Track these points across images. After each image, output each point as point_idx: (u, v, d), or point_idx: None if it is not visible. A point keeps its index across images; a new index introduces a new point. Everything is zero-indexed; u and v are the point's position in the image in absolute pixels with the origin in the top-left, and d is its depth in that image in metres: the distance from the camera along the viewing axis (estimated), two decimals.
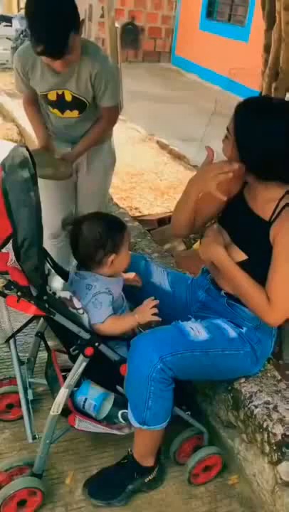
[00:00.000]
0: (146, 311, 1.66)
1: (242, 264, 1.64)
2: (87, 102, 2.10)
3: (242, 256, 1.66)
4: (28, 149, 1.41)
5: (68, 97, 2.06)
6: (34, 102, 2.22)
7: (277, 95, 2.62)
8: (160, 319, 1.67)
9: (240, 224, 1.70)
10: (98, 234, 1.60)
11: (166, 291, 1.90)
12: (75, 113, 2.12)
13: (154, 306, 1.67)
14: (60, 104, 2.08)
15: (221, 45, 8.48)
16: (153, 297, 1.70)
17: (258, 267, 1.61)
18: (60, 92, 2.05)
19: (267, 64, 2.68)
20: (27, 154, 1.37)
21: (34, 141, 5.14)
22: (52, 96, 2.07)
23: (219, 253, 1.65)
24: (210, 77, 8.76)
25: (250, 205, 1.71)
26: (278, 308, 1.58)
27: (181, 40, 10.31)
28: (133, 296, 1.77)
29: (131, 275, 1.83)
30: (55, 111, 2.13)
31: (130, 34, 9.93)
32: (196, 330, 1.64)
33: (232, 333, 1.69)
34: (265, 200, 1.64)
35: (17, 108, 6.39)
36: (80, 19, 1.90)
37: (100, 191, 2.52)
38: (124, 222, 1.71)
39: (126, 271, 1.78)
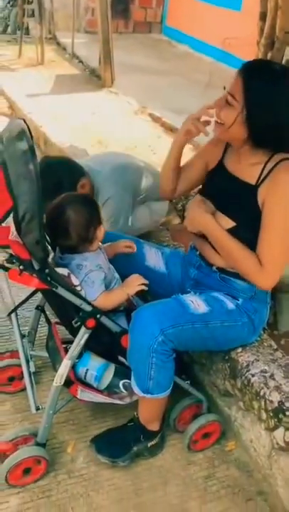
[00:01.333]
0: (134, 282, 1.69)
1: (230, 231, 1.63)
2: None
3: (230, 223, 1.64)
4: (25, 121, 1.39)
5: None
6: None
7: None
8: (147, 288, 1.70)
9: (225, 191, 1.69)
10: (87, 213, 1.61)
11: (161, 273, 1.91)
12: None
13: (143, 284, 1.70)
14: None
15: (213, 14, 8.30)
16: (137, 274, 1.72)
17: (247, 233, 1.62)
18: None
19: (262, 33, 2.64)
20: (24, 126, 1.35)
21: (26, 115, 5.05)
22: None
23: (207, 221, 1.65)
24: (202, 48, 8.59)
25: (231, 171, 1.70)
26: (270, 271, 1.59)
27: (172, 10, 10.06)
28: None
29: (120, 244, 1.84)
30: None
31: (120, 3, 9.68)
32: (196, 303, 1.66)
33: (230, 304, 1.72)
34: (249, 163, 1.64)
35: (7, 82, 6.27)
36: None
37: None
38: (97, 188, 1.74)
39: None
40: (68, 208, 1.60)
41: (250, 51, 3.07)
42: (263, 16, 2.66)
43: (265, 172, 1.59)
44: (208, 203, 1.70)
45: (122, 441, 1.76)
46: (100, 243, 1.72)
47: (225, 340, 1.76)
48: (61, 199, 1.64)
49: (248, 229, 1.61)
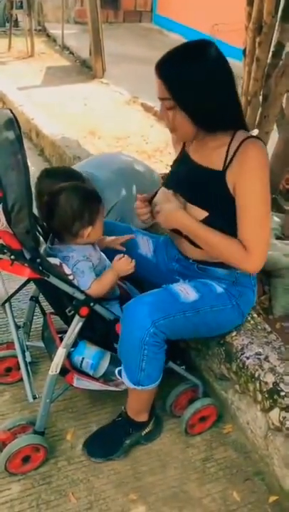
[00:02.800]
0: (122, 264, 1.67)
1: (204, 222, 1.61)
2: None
3: (202, 213, 1.61)
4: (12, 111, 1.40)
5: None
6: None
7: (262, 51, 2.58)
8: (134, 269, 1.69)
9: (192, 181, 1.65)
10: (76, 206, 1.59)
11: (151, 261, 1.91)
12: None
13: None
14: None
15: (203, 1, 8.25)
16: (122, 255, 1.70)
17: (221, 220, 1.59)
18: None
19: (250, 18, 2.62)
20: (11, 116, 1.36)
21: (17, 107, 5.02)
22: None
23: (181, 217, 1.62)
24: (193, 35, 8.53)
25: (196, 160, 1.68)
26: (257, 254, 1.57)
27: None
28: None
29: (111, 238, 1.84)
30: None
31: None
32: (185, 291, 1.66)
33: (219, 288, 1.72)
34: (211, 148, 1.61)
35: None
36: None
37: None
38: (99, 195, 1.69)
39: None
40: (64, 192, 1.60)
41: (238, 36, 3.06)
42: (250, 1, 2.64)
43: (230, 155, 1.56)
44: (177, 196, 1.68)
45: (113, 438, 1.77)
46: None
47: (216, 325, 1.77)
48: (69, 183, 1.65)
49: (221, 216, 1.59)
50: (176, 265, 1.85)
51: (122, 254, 1.70)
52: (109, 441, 1.77)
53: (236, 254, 1.58)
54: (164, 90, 1.51)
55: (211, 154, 1.61)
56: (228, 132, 1.58)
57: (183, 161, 1.73)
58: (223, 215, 1.59)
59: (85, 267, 1.63)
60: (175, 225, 1.66)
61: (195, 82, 1.47)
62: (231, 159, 1.55)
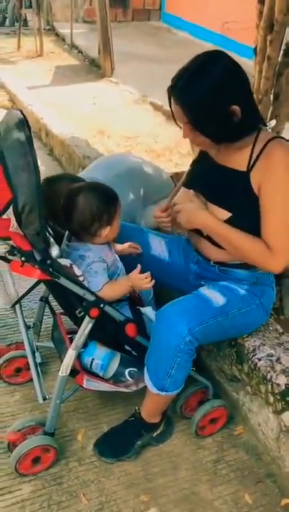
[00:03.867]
0: (139, 279, 1.66)
1: (227, 222, 1.60)
2: None
3: (225, 214, 1.61)
4: (22, 112, 1.39)
5: None
6: None
7: (273, 49, 2.56)
8: (151, 286, 1.68)
9: (215, 181, 1.64)
10: (95, 207, 1.59)
11: (165, 262, 1.90)
12: None
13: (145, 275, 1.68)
14: None
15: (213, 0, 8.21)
16: (139, 266, 1.68)
17: (244, 221, 1.59)
18: None
19: (261, 16, 2.60)
20: (22, 117, 1.35)
21: (27, 107, 5.04)
22: None
23: (205, 217, 1.62)
24: (202, 34, 8.51)
25: (217, 160, 1.66)
26: (281, 254, 1.56)
27: None
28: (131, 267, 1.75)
29: (125, 246, 1.83)
30: None
31: None
32: (214, 296, 1.66)
33: (241, 290, 1.71)
34: (234, 149, 1.59)
35: (7, 75, 6.25)
36: None
37: None
38: (116, 193, 1.69)
39: (120, 241, 1.80)
40: (82, 193, 1.61)
41: (249, 35, 3.03)
42: None
43: (255, 156, 1.55)
44: (198, 195, 1.67)
45: (124, 439, 1.77)
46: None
47: (244, 326, 1.77)
48: (86, 183, 1.67)
49: (244, 217, 1.59)
50: (194, 267, 1.84)
51: (139, 267, 1.67)
52: (121, 442, 1.77)
53: (261, 254, 1.58)
54: (181, 115, 1.51)
55: (234, 155, 1.61)
56: (250, 134, 1.57)
57: (204, 161, 1.72)
58: (247, 216, 1.58)
59: (100, 268, 1.63)
60: (198, 224, 1.65)
61: (210, 103, 1.46)
62: (256, 160, 1.55)
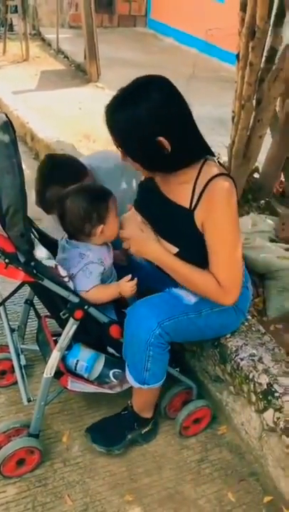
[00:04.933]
0: (128, 287, 1.69)
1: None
2: None
3: (172, 248, 1.59)
4: (6, 115, 1.41)
5: None
6: None
7: (255, 55, 2.60)
8: (137, 294, 1.70)
9: (160, 213, 1.61)
10: (82, 208, 1.61)
11: (145, 268, 1.87)
12: None
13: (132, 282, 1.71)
14: None
15: (198, 6, 8.29)
16: (130, 275, 1.70)
17: (191, 256, 1.58)
18: None
19: (243, 23, 2.65)
20: (6, 119, 1.36)
21: (12, 111, 5.02)
22: None
23: (156, 252, 1.60)
24: (187, 40, 8.59)
25: (163, 191, 1.63)
26: (231, 288, 1.57)
27: (156, 3, 10.04)
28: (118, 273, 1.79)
29: (116, 252, 1.84)
30: None
31: None
32: (186, 294, 1.68)
33: None
34: (178, 183, 1.57)
35: None
36: None
37: None
38: (108, 190, 1.71)
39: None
40: (69, 197, 1.64)
41: (232, 41, 3.09)
42: (243, 6, 2.66)
43: (197, 194, 1.52)
44: (148, 226, 1.64)
45: (116, 430, 1.79)
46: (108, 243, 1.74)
47: (221, 327, 1.79)
48: (74, 187, 1.68)
49: (191, 252, 1.58)
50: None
51: (129, 277, 1.69)
52: (112, 433, 1.79)
53: (211, 288, 1.57)
54: (113, 139, 1.51)
55: (177, 189, 1.58)
56: (193, 166, 1.54)
57: (150, 184, 1.68)
58: (192, 251, 1.57)
59: (96, 270, 1.65)
60: (148, 257, 1.64)
61: (135, 131, 1.44)
62: (198, 199, 1.52)
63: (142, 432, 1.82)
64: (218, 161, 1.62)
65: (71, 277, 1.64)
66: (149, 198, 1.68)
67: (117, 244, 1.76)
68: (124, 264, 1.86)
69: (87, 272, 1.64)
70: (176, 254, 1.59)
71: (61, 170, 1.99)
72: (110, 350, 1.77)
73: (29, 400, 1.73)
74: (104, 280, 1.70)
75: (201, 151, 1.56)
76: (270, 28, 2.62)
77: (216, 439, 1.89)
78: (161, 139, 1.43)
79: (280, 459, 1.62)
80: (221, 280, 1.55)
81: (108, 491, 1.67)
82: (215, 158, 1.59)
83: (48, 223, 2.30)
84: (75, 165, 2.07)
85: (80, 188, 1.69)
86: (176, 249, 1.59)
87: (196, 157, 1.55)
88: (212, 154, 1.59)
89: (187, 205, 1.55)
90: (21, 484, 1.67)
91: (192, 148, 1.54)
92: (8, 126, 1.35)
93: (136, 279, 1.69)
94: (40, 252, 1.63)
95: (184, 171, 1.54)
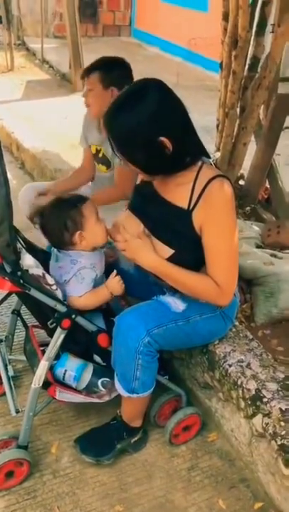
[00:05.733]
0: (116, 283, 1.71)
1: (170, 259, 1.59)
2: (112, 162, 2.38)
3: (167, 251, 1.59)
4: None
5: (101, 154, 2.44)
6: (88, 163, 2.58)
7: (238, 64, 2.64)
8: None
9: (156, 214, 1.61)
10: (56, 218, 1.65)
11: (133, 276, 1.88)
12: (104, 168, 2.47)
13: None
14: (97, 158, 2.49)
15: (182, 16, 8.38)
16: (115, 271, 1.73)
17: (187, 257, 1.59)
18: (98, 148, 2.45)
19: (226, 32, 2.68)
20: None
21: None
22: (93, 149, 2.49)
23: (154, 262, 1.58)
24: (171, 49, 8.66)
25: (160, 193, 1.64)
26: (228, 289, 1.59)
27: (141, 13, 10.12)
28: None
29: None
30: (96, 163, 2.53)
31: (88, 7, 9.69)
32: (174, 301, 1.68)
33: None
34: (176, 184, 1.58)
35: None
36: None
37: None
38: (79, 197, 1.72)
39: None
40: (45, 210, 1.69)
41: (215, 50, 3.13)
42: (225, 16, 2.70)
43: (196, 195, 1.54)
44: (145, 230, 1.62)
45: (105, 440, 1.78)
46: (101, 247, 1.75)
47: (209, 333, 1.79)
48: (50, 201, 1.73)
49: (187, 254, 1.58)
50: (152, 278, 1.84)
51: (114, 272, 1.72)
52: (102, 443, 1.78)
53: (210, 290, 1.58)
54: (112, 143, 1.52)
55: (175, 190, 1.59)
56: (191, 168, 1.56)
57: (146, 187, 1.68)
58: (189, 252, 1.58)
59: (88, 276, 1.67)
60: (144, 265, 1.61)
61: (137, 133, 1.45)
62: (197, 200, 1.54)
63: (132, 441, 1.81)
64: (215, 164, 1.64)
65: (64, 284, 1.66)
66: (145, 200, 1.68)
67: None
68: (114, 260, 1.86)
69: (80, 278, 1.66)
70: (171, 256, 1.59)
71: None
72: (96, 358, 1.77)
73: (17, 411, 1.72)
74: (94, 287, 1.70)
75: (199, 151, 1.59)
76: (252, 38, 2.67)
77: (206, 446, 1.89)
78: (163, 139, 1.45)
79: (269, 465, 1.62)
80: (220, 281, 1.56)
81: (98, 501, 1.66)
82: (211, 161, 1.61)
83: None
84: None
85: (53, 201, 1.73)
86: (171, 251, 1.59)
87: (196, 157, 1.57)
88: (208, 156, 1.62)
89: (185, 206, 1.56)
90: (10, 497, 1.65)
91: (192, 148, 1.56)
92: None
93: (119, 276, 1.71)
94: (28, 261, 1.64)
95: (183, 173, 1.56)
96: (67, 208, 1.67)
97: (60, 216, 1.65)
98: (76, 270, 1.66)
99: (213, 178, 1.53)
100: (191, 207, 1.55)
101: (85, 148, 2.57)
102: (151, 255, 1.59)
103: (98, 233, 1.69)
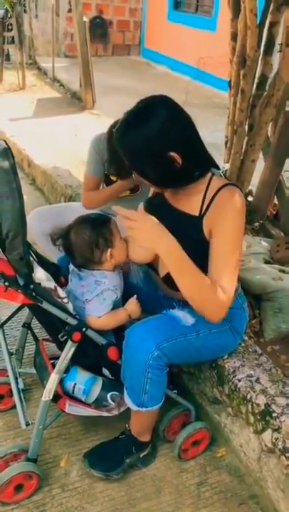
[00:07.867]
0: (135, 306, 1.75)
1: None
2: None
3: None
4: (6, 142, 1.45)
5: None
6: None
7: (246, 82, 2.68)
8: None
9: (167, 223, 1.55)
10: (87, 236, 1.66)
11: (142, 291, 1.91)
12: (126, 192, 2.41)
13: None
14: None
15: (190, 35, 8.52)
16: (135, 296, 1.77)
17: (196, 265, 1.56)
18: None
19: (234, 52, 2.73)
20: (6, 146, 1.40)
21: (9, 138, 5.08)
22: (113, 177, 2.40)
23: (171, 242, 1.50)
24: (180, 68, 8.80)
25: (171, 203, 1.68)
26: (229, 296, 1.55)
27: (150, 33, 10.31)
28: None
29: None
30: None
31: (99, 28, 9.89)
32: (183, 315, 1.69)
33: None
34: (187, 194, 1.62)
35: None
36: None
37: None
38: (103, 215, 1.75)
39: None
40: (72, 229, 1.69)
41: (224, 69, 3.18)
42: (234, 36, 2.76)
43: (207, 202, 1.58)
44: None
45: (114, 455, 1.78)
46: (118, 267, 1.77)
47: (219, 348, 1.79)
48: (74, 221, 1.73)
49: (194, 260, 1.55)
50: (161, 293, 1.85)
51: (135, 296, 1.75)
52: (111, 458, 1.78)
53: (214, 299, 1.53)
54: (124, 158, 1.56)
55: (186, 199, 1.63)
56: (201, 180, 1.59)
57: (157, 199, 1.73)
58: (196, 259, 1.57)
59: (110, 297, 1.69)
60: (158, 247, 1.50)
61: (147, 149, 1.48)
62: (208, 206, 1.58)
63: (141, 456, 1.80)
64: (224, 175, 1.66)
65: (84, 301, 1.69)
66: (157, 209, 1.67)
67: None
68: (125, 272, 1.87)
69: (102, 298, 1.68)
70: None
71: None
72: (105, 372, 1.78)
73: (27, 424, 1.72)
74: (113, 308, 1.73)
75: (209, 164, 1.62)
76: (260, 57, 2.71)
77: (215, 462, 1.88)
78: (172, 153, 1.48)
79: (279, 481, 1.62)
80: (222, 286, 1.53)
81: None
82: (220, 172, 1.64)
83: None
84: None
85: (79, 220, 1.73)
86: None
87: (205, 170, 1.60)
88: (217, 167, 1.65)
89: (196, 213, 1.60)
90: (19, 511, 1.65)
91: (201, 162, 1.60)
92: (8, 152, 1.39)
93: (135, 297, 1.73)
94: (40, 274, 1.66)
95: (194, 185, 1.59)
96: (98, 226, 1.69)
97: (92, 234, 1.66)
98: (99, 291, 1.68)
99: (224, 185, 1.57)
100: (202, 213, 1.59)
101: (94, 175, 2.43)
102: (166, 235, 1.50)
103: (123, 252, 1.72)
